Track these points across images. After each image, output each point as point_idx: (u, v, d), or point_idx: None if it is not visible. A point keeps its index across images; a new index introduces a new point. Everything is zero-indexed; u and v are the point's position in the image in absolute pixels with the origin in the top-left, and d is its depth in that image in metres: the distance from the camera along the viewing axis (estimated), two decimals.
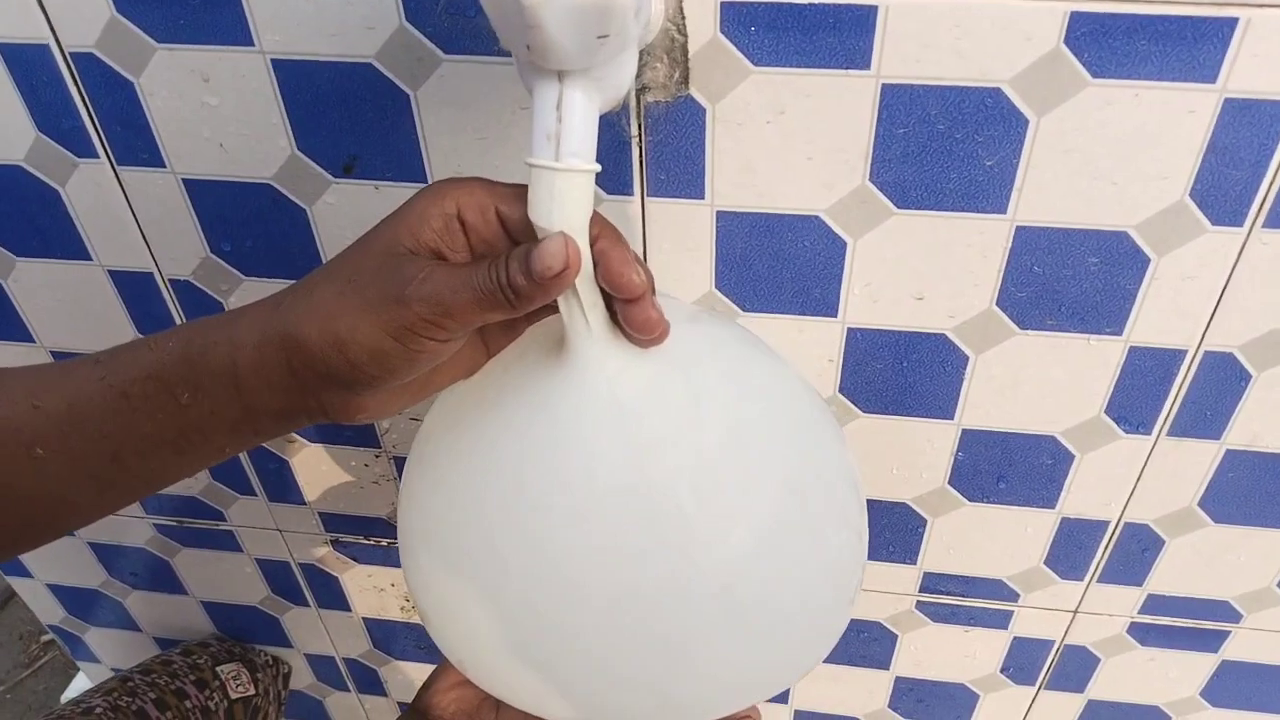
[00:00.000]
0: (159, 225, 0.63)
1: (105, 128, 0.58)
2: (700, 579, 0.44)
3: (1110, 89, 0.48)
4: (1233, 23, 0.45)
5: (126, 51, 0.55)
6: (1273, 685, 0.80)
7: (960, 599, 0.78)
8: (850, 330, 0.61)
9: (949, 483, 0.69)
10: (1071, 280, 0.56)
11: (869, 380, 0.63)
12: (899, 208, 0.54)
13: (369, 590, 0.90)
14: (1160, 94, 0.48)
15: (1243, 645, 0.77)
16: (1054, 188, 0.52)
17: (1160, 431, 0.63)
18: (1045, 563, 0.73)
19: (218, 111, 0.56)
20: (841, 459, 0.49)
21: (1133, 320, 0.57)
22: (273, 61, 0.54)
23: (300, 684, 1.06)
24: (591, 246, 0.41)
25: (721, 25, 0.49)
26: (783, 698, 0.91)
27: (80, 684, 1.37)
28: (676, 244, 0.58)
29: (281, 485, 0.81)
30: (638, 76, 0.50)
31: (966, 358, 0.61)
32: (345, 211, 0.60)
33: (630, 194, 0.56)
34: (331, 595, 0.92)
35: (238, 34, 0.53)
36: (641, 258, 0.42)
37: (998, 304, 0.58)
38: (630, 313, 0.41)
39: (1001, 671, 0.84)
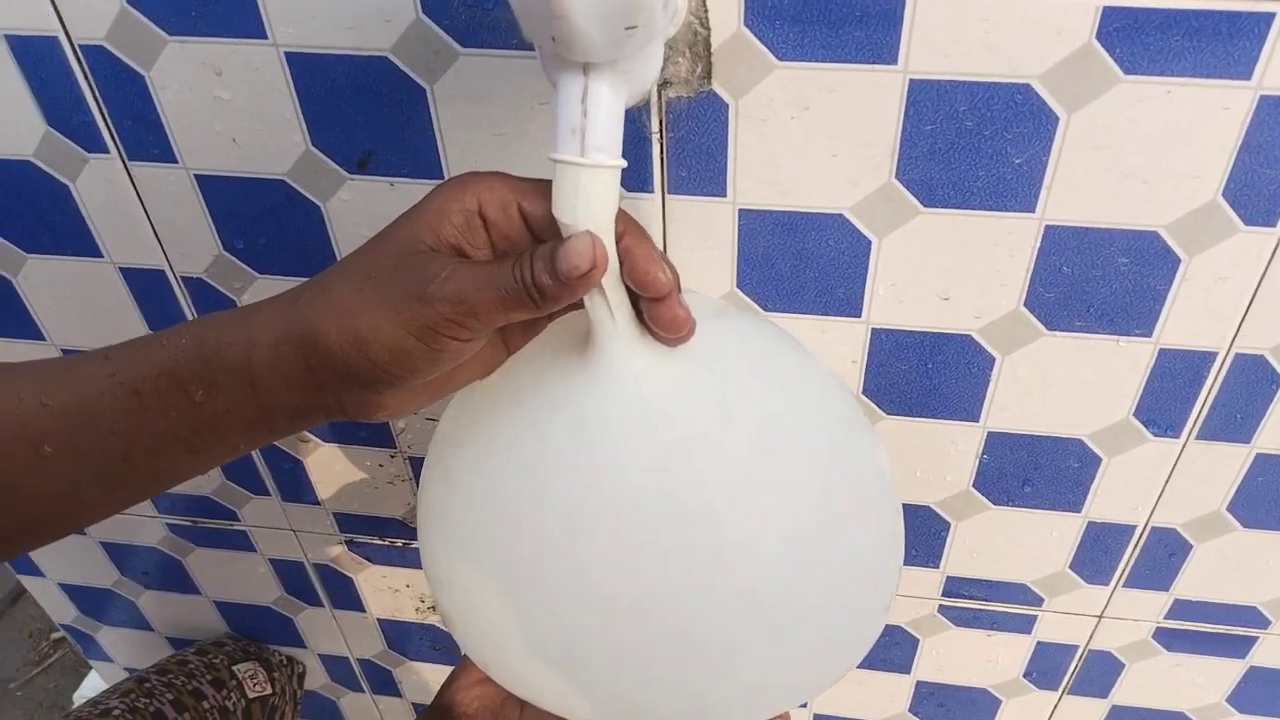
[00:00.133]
0: (171, 222, 0.62)
1: (116, 122, 0.58)
2: (730, 581, 0.44)
3: (1142, 85, 0.47)
4: (1269, 18, 0.44)
5: (137, 44, 0.54)
6: None
7: (983, 603, 0.76)
8: (874, 331, 0.59)
9: (973, 486, 0.68)
10: (1101, 281, 0.55)
11: (893, 382, 0.62)
12: (925, 206, 0.53)
13: (383, 591, 0.89)
14: (1193, 91, 0.47)
15: (1271, 651, 0.76)
16: (1084, 186, 0.51)
17: (1189, 435, 0.62)
18: (1070, 567, 0.72)
19: (230, 106, 0.55)
20: (875, 457, 0.48)
21: (1163, 322, 0.56)
22: (286, 54, 0.53)
23: (314, 684, 1.05)
24: (616, 244, 0.40)
25: (745, 18, 0.48)
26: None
27: (92, 682, 1.37)
28: (698, 242, 0.57)
29: (295, 485, 0.80)
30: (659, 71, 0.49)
31: (993, 359, 0.59)
32: (360, 208, 0.59)
33: (650, 191, 0.55)
34: (346, 596, 0.91)
35: (251, 26, 0.52)
36: (666, 256, 0.41)
37: (1025, 304, 0.56)
38: (657, 311, 0.40)
39: (1024, 676, 0.83)
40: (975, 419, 0.63)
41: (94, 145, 0.59)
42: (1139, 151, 0.49)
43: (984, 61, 0.47)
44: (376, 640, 0.96)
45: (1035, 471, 0.66)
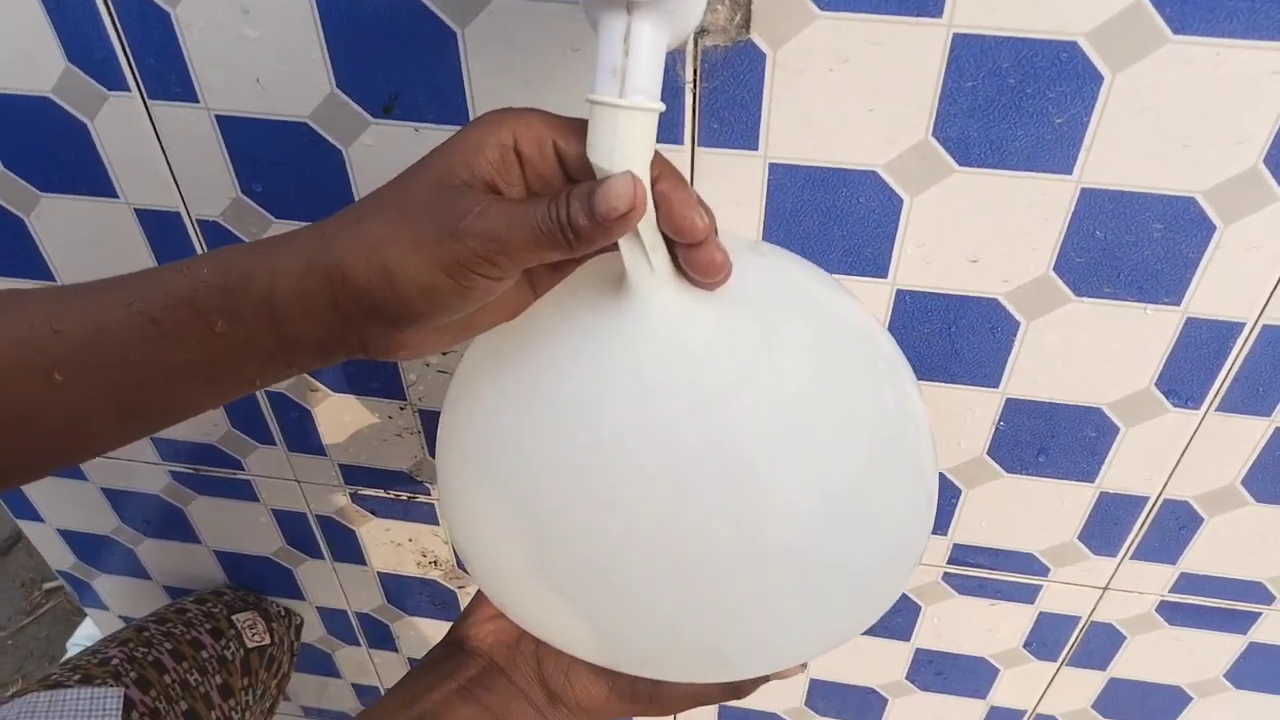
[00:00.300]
0: (189, 163, 0.61)
1: (138, 59, 0.56)
2: (762, 535, 0.43)
3: (1191, 46, 0.46)
4: None
5: None
6: None
7: (989, 572, 0.77)
8: (900, 292, 0.59)
9: (987, 453, 0.67)
10: (1133, 247, 0.54)
11: (914, 345, 0.62)
12: (960, 165, 0.52)
13: (386, 545, 0.89)
14: (1242, 53, 0.46)
15: (1273, 628, 0.76)
16: (1124, 149, 0.50)
17: (1210, 406, 0.62)
18: (1079, 538, 0.72)
19: (256, 45, 0.54)
20: (921, 410, 0.47)
21: (1192, 290, 0.56)
22: None
23: (311, 637, 1.05)
24: (652, 188, 0.39)
25: None
26: None
27: (86, 630, 1.37)
28: (725, 196, 0.56)
29: (302, 435, 0.79)
30: None
31: (1018, 324, 0.59)
32: (382, 154, 0.58)
33: (680, 143, 0.54)
34: (347, 548, 0.91)
35: None
36: (702, 199, 0.40)
37: (1055, 269, 0.56)
38: (693, 255, 0.40)
39: (1024, 647, 0.83)
40: (995, 385, 0.63)
41: (114, 83, 0.58)
42: (1183, 114, 0.48)
43: (1031, 17, 0.46)
44: (376, 594, 0.96)
45: (1051, 440, 0.66)
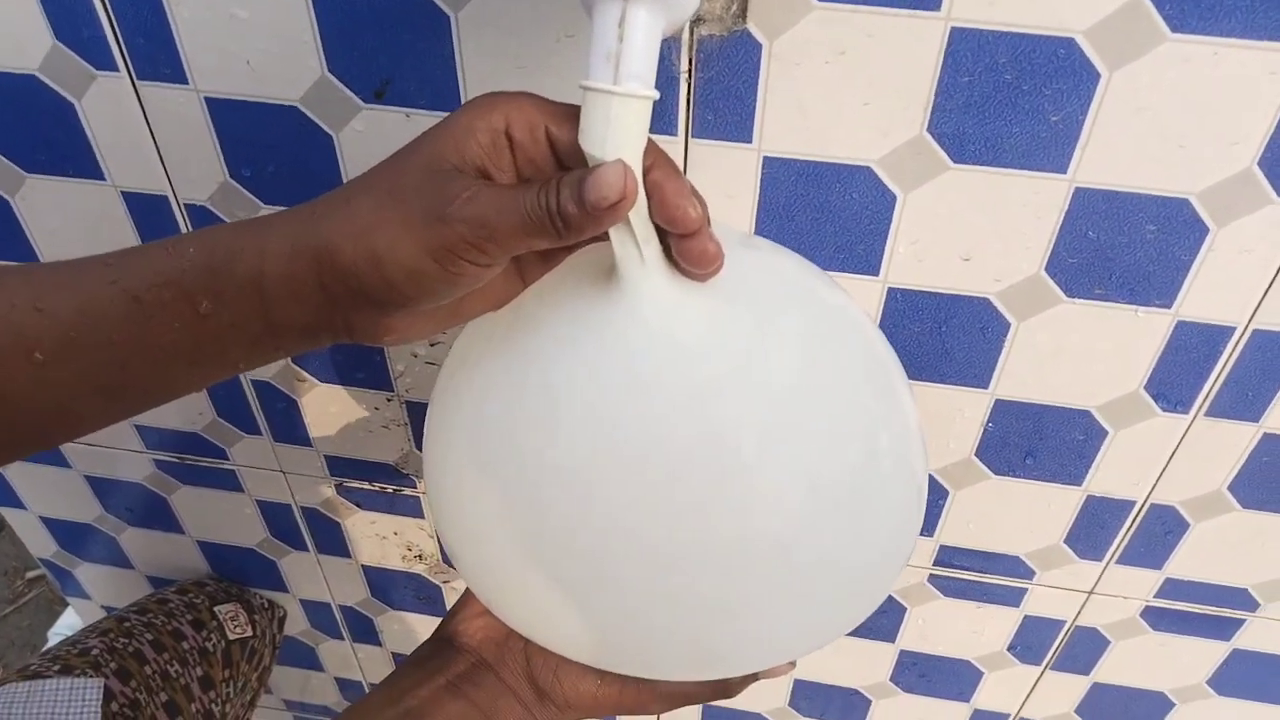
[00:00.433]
0: (177, 145, 0.60)
1: (127, 39, 0.56)
2: (750, 532, 0.43)
3: (1189, 45, 0.46)
4: None
5: None
6: None
7: (975, 574, 0.76)
8: (891, 290, 0.59)
9: (975, 454, 0.67)
10: (1126, 248, 0.54)
11: (905, 344, 0.61)
12: (955, 161, 0.52)
13: (371, 538, 0.88)
14: (1240, 53, 0.46)
15: (1256, 635, 0.76)
16: (1120, 148, 0.50)
17: (1198, 411, 0.61)
18: (1065, 541, 0.72)
19: (247, 25, 0.53)
20: (911, 408, 0.47)
21: (1184, 293, 0.56)
22: None
23: (294, 630, 1.04)
24: (644, 177, 0.38)
25: None
26: None
27: (68, 620, 1.36)
28: (718, 189, 0.56)
29: (288, 425, 0.79)
30: None
31: (1009, 325, 0.59)
32: (373, 139, 0.57)
33: (674, 134, 0.54)
34: (332, 541, 0.90)
35: None
36: (695, 188, 0.40)
37: (1046, 269, 0.56)
38: (686, 246, 0.39)
39: (1009, 650, 0.83)
40: (985, 386, 0.63)
41: (103, 62, 0.57)
42: (1179, 114, 0.48)
43: (1029, 12, 0.46)
44: (360, 587, 0.96)
45: (1040, 442, 0.65)
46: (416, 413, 0.75)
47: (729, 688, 0.54)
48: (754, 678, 0.53)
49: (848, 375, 0.45)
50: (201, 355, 0.41)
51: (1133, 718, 0.86)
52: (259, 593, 0.99)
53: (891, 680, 0.89)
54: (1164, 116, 0.49)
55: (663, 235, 0.40)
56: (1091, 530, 0.70)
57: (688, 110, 0.53)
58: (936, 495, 0.71)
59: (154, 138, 0.60)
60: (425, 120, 0.56)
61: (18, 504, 0.96)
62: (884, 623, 0.84)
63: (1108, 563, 0.73)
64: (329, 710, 1.18)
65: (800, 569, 0.44)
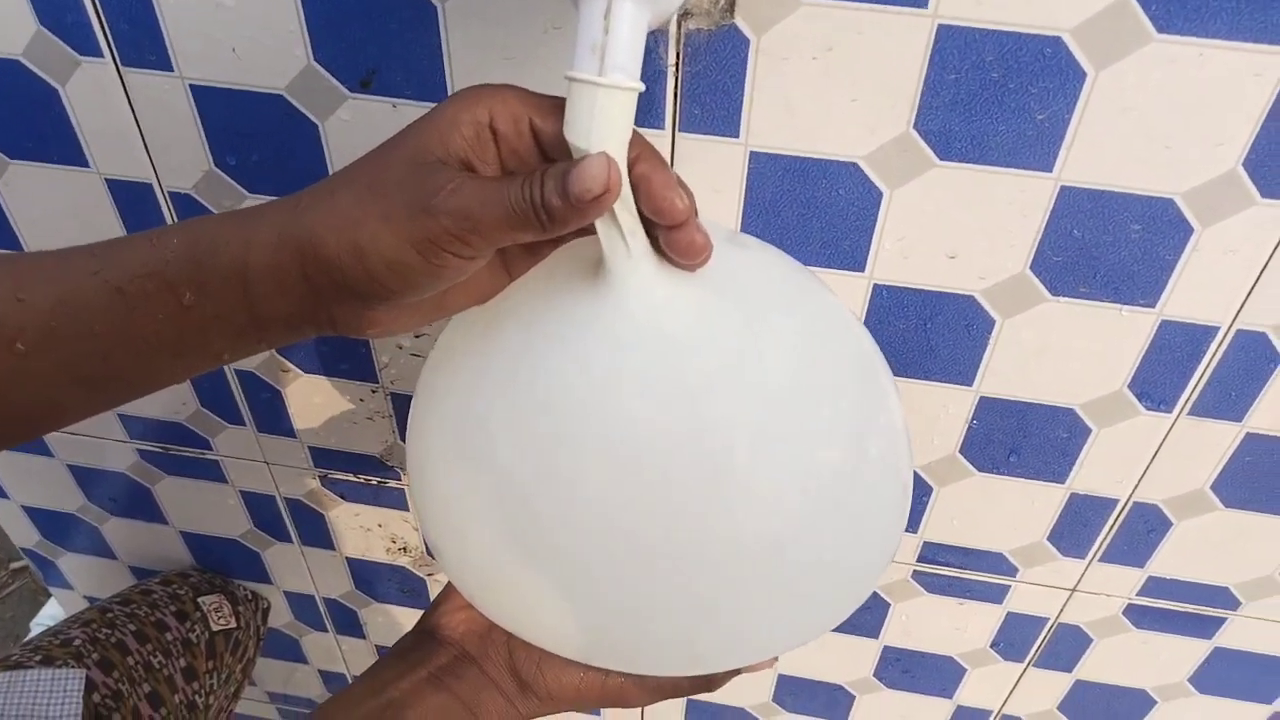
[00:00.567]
0: (162, 133, 0.60)
1: (112, 25, 0.55)
2: (739, 529, 0.43)
3: (1174, 46, 0.46)
4: None
5: None
6: (1261, 675, 0.80)
7: (958, 571, 0.77)
8: (877, 287, 0.59)
9: (960, 451, 0.67)
10: (1110, 247, 0.54)
11: (890, 340, 0.61)
12: (941, 159, 0.52)
13: (355, 530, 0.88)
14: (1226, 54, 0.46)
15: (1237, 633, 0.76)
16: (1105, 147, 0.50)
17: (1181, 410, 0.62)
18: (1048, 538, 0.72)
19: (233, 13, 0.53)
20: (897, 406, 0.47)
21: (1168, 293, 0.56)
22: None
23: (277, 622, 1.04)
24: (630, 170, 0.38)
25: None
26: None
27: (50, 610, 1.35)
28: (704, 184, 0.55)
29: (272, 416, 0.78)
30: None
31: (993, 322, 0.59)
32: (359, 129, 0.57)
33: (661, 128, 0.54)
34: (316, 533, 0.90)
35: None
36: (682, 180, 0.39)
37: (1031, 267, 0.56)
38: (674, 238, 0.39)
39: (991, 646, 0.83)
40: (969, 383, 0.63)
41: (87, 48, 0.56)
42: (1165, 114, 0.48)
43: (1017, 10, 0.46)
44: (344, 579, 0.95)
45: (1023, 440, 0.66)
46: (401, 405, 0.75)
47: (712, 681, 0.54)
48: (736, 672, 0.53)
49: (837, 373, 0.45)
50: (185, 346, 0.40)
51: (1115, 715, 0.87)
52: (243, 584, 0.99)
53: (875, 676, 0.89)
54: (1149, 116, 0.49)
55: (650, 228, 0.40)
56: (1075, 528, 0.71)
57: (675, 104, 0.53)
58: (921, 492, 0.71)
59: (139, 125, 0.60)
60: (411, 110, 0.56)
61: (0, 494, 0.95)
62: (868, 619, 0.84)
63: (1090, 560, 0.73)
64: (313, 703, 1.18)
65: (786, 567, 0.44)
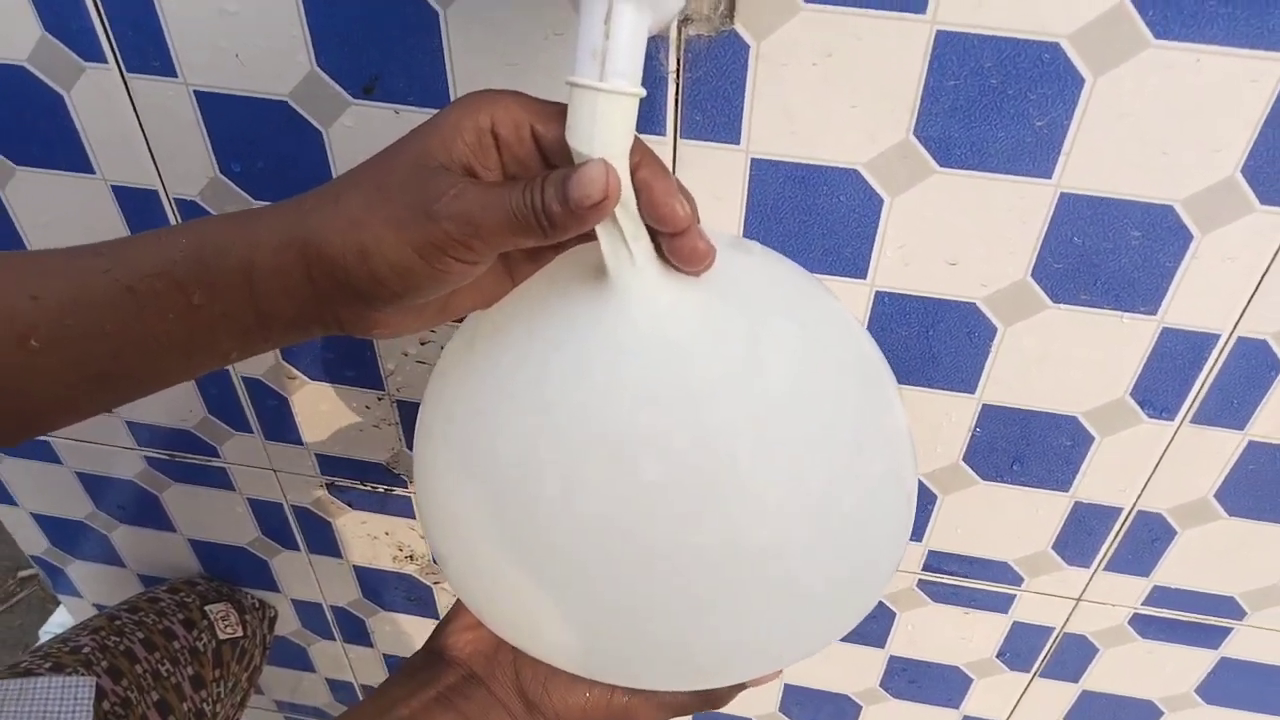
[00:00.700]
0: (167, 140, 0.61)
1: (116, 31, 0.56)
2: (742, 539, 0.42)
3: (1172, 51, 0.46)
4: None
5: None
6: (1269, 685, 0.79)
7: (963, 580, 0.76)
8: (878, 294, 0.59)
9: (963, 459, 0.67)
10: (1111, 254, 0.54)
11: (892, 347, 0.61)
12: (941, 165, 0.52)
13: (362, 538, 0.88)
14: (1223, 61, 0.46)
15: (1244, 643, 0.76)
16: (1104, 154, 0.50)
17: (1184, 418, 0.61)
18: (1053, 547, 0.72)
19: (237, 20, 0.54)
20: (901, 414, 0.46)
21: (1169, 300, 0.56)
22: None
23: (284, 630, 1.04)
24: (632, 176, 0.39)
25: None
26: None
27: (59, 618, 1.35)
28: (706, 190, 0.56)
29: (279, 423, 0.79)
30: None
31: (995, 329, 0.59)
32: (362, 135, 0.58)
33: (662, 134, 0.54)
34: (323, 541, 0.90)
35: None
36: (684, 186, 0.40)
37: (1032, 274, 0.56)
38: (676, 245, 0.40)
39: (997, 656, 0.83)
40: (972, 391, 0.63)
41: (92, 54, 0.57)
42: (1162, 120, 0.48)
43: (1015, 16, 0.46)
44: (351, 588, 0.96)
45: (1027, 448, 0.66)
46: (408, 412, 0.75)
47: (717, 697, 0.54)
48: (742, 687, 0.53)
49: (840, 381, 0.45)
50: (193, 345, 0.41)
51: None
52: (250, 592, 0.99)
53: (881, 686, 0.89)
54: (1147, 123, 0.49)
55: (653, 235, 0.41)
56: (1079, 537, 0.71)
57: (676, 111, 0.53)
58: (925, 500, 0.71)
59: (144, 131, 0.60)
60: (414, 116, 0.56)
61: (9, 500, 0.96)
62: (873, 628, 0.84)
63: (1095, 569, 0.73)
64: (320, 711, 1.18)
65: (791, 577, 0.44)
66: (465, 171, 0.39)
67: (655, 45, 0.51)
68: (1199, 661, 0.79)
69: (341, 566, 0.93)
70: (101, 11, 0.55)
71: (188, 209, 0.64)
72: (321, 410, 0.77)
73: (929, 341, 0.61)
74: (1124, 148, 0.50)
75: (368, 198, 0.38)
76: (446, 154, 0.38)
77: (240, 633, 0.94)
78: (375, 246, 0.37)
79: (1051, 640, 0.80)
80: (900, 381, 0.63)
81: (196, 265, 0.39)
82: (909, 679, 0.88)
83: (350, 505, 0.85)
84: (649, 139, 0.54)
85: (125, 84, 0.58)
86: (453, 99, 0.55)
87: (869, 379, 0.46)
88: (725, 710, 0.96)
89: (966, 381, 0.62)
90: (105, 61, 0.57)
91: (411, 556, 0.90)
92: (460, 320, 0.48)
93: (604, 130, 0.37)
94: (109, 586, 1.05)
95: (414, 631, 1.00)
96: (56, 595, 1.11)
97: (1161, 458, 0.64)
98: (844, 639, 0.83)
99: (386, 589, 0.95)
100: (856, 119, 0.51)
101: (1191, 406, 0.61)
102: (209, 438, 0.82)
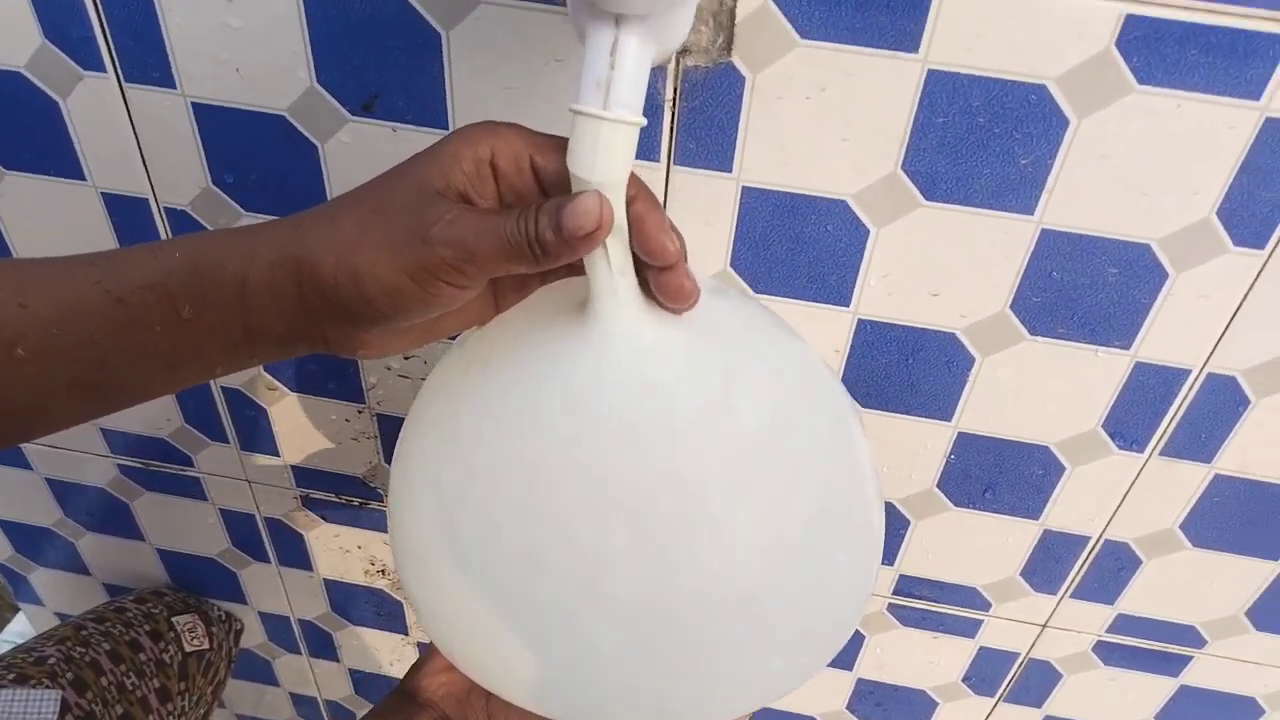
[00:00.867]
0: (161, 149, 0.61)
1: (117, 40, 0.56)
2: (718, 586, 0.42)
3: (1154, 97, 0.48)
4: None
5: None
6: (1226, 712, 0.81)
7: (932, 604, 0.78)
8: (861, 322, 0.60)
9: (937, 486, 0.69)
10: (1088, 289, 0.56)
11: (872, 375, 0.63)
12: (927, 199, 0.54)
13: (334, 551, 0.88)
14: (1202, 107, 0.48)
15: (1203, 671, 0.78)
16: (1085, 193, 0.52)
17: (1153, 450, 0.63)
18: (1021, 574, 0.73)
19: (239, 34, 0.54)
20: (867, 455, 0.47)
21: (1142, 335, 0.57)
22: None
23: (250, 643, 1.04)
24: (628, 208, 0.39)
25: None
26: None
27: (17, 628, 1.33)
28: (697, 217, 0.57)
29: (256, 434, 0.78)
30: None
31: (973, 360, 0.60)
32: (358, 152, 0.58)
33: (657, 160, 0.55)
34: (294, 553, 0.90)
35: None
36: (674, 224, 0.41)
37: (1011, 307, 0.57)
38: (663, 280, 0.40)
39: (963, 681, 0.84)
40: (948, 419, 0.64)
41: (91, 63, 0.57)
42: (1143, 163, 0.50)
43: (1004, 58, 0.48)
44: (320, 601, 0.95)
45: (999, 476, 0.67)
46: (387, 426, 0.75)
47: None
48: None
49: (814, 420, 0.45)
50: (180, 358, 0.41)
51: None
52: (217, 604, 0.98)
53: (848, 709, 0.90)
54: (1128, 164, 0.50)
55: (639, 269, 0.41)
56: (1047, 564, 0.72)
57: (671, 138, 0.54)
58: (897, 525, 0.72)
59: (138, 140, 0.60)
60: (412, 135, 0.57)
61: None
62: (843, 651, 0.84)
63: (1062, 596, 0.74)
64: None
65: (763, 620, 0.44)
66: (461, 199, 0.39)
67: (653, 74, 0.51)
68: (1160, 689, 0.80)
69: (311, 580, 0.92)
70: (104, 21, 0.55)
71: (177, 218, 0.64)
72: (300, 422, 0.77)
73: (908, 370, 0.62)
74: (1105, 188, 0.51)
75: (364, 220, 0.39)
76: (444, 181, 0.39)
77: (207, 645, 0.93)
78: (368, 268, 0.38)
79: (1017, 665, 0.81)
80: (879, 408, 0.64)
81: (191, 278, 0.39)
82: (875, 701, 0.89)
83: (324, 518, 0.85)
84: (643, 165, 0.55)
85: (123, 93, 0.58)
86: (451, 119, 0.55)
87: (836, 419, 0.47)
88: None
89: (944, 409, 0.64)
90: (104, 71, 0.57)
91: (384, 571, 0.90)
92: (453, 337, 0.48)
93: (605, 158, 0.38)
94: (73, 595, 1.04)
95: (381, 647, 1.00)
96: (16, 603, 1.09)
97: (1130, 488, 0.66)
98: None
99: (356, 603, 0.94)
100: (847, 151, 0.53)
101: (1161, 439, 0.62)
102: (184, 447, 0.81)
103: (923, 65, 0.49)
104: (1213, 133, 0.49)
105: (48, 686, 0.76)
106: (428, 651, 0.58)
